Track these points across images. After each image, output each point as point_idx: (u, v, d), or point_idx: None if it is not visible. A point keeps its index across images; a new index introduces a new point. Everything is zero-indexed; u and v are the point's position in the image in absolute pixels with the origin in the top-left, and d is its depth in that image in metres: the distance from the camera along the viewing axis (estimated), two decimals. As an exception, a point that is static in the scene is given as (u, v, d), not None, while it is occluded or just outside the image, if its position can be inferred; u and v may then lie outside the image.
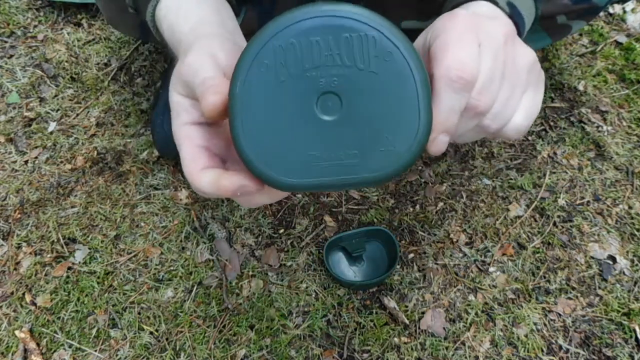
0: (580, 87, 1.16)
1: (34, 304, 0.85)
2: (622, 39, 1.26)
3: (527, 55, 0.41)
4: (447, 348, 0.80)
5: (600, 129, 1.09)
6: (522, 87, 0.41)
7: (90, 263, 0.89)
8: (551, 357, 0.80)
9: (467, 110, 0.39)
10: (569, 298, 0.86)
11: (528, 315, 0.84)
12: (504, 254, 0.91)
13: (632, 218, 0.95)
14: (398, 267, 0.89)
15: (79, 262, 0.89)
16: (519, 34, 0.50)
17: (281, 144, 0.36)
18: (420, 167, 1.02)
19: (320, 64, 0.35)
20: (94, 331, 0.82)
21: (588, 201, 0.98)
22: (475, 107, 0.39)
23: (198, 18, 0.47)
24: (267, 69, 0.35)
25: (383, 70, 0.35)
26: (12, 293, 0.86)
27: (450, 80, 0.37)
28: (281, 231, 0.94)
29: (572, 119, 1.11)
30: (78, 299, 0.85)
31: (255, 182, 0.37)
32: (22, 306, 0.85)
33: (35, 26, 1.27)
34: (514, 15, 0.49)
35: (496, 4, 0.49)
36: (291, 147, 0.36)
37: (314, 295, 0.86)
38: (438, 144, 0.38)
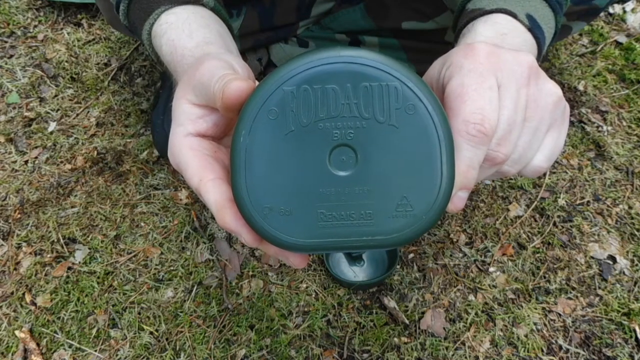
0: (580, 87, 1.16)
1: (34, 304, 0.85)
2: (622, 39, 1.26)
3: (551, 93, 0.39)
4: (447, 348, 0.80)
5: (600, 129, 1.09)
6: (544, 127, 0.39)
7: (90, 263, 0.89)
8: (551, 357, 0.80)
9: (486, 161, 0.37)
10: (569, 298, 0.86)
11: (528, 315, 0.84)
12: (504, 254, 0.91)
13: (632, 218, 0.95)
14: (398, 267, 0.89)
15: (79, 262, 0.89)
16: (539, 50, 0.48)
17: (287, 200, 0.33)
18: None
19: (335, 114, 0.32)
20: (94, 331, 0.82)
21: (588, 201, 0.98)
22: (494, 158, 0.37)
23: (203, 37, 0.47)
24: (276, 117, 0.32)
25: (405, 124, 0.32)
26: (12, 293, 0.86)
27: (469, 135, 0.35)
28: (281, 231, 0.94)
29: (572, 119, 1.11)
30: (78, 299, 0.85)
31: (253, 237, 0.35)
32: (22, 306, 0.85)
33: (35, 26, 1.27)
34: (534, 28, 0.47)
35: (515, 16, 0.46)
36: (298, 204, 0.33)
37: (314, 295, 0.86)
38: (456, 201, 0.36)
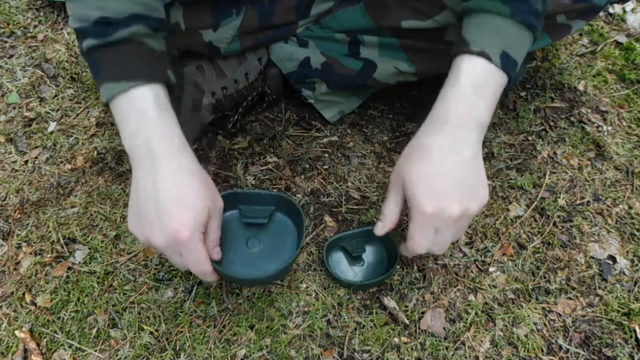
0: (580, 87, 1.16)
1: (34, 304, 0.85)
2: (622, 39, 1.26)
3: (469, 216, 0.67)
4: (447, 348, 0.80)
5: (600, 129, 1.09)
6: (462, 232, 0.70)
7: (90, 263, 0.89)
8: (551, 357, 0.80)
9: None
10: (569, 298, 0.86)
11: (528, 315, 0.84)
12: (504, 254, 0.91)
13: (632, 218, 0.95)
14: (398, 267, 0.89)
15: (79, 262, 0.89)
16: (509, 80, 0.64)
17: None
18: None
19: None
20: (94, 331, 0.82)
21: (588, 201, 0.98)
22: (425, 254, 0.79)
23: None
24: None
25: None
26: (12, 293, 0.86)
27: (407, 255, 0.75)
28: (281, 231, 0.94)
29: (572, 119, 1.11)
30: (78, 299, 0.85)
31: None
32: (22, 306, 0.85)
33: (35, 26, 1.27)
34: (507, 65, 0.63)
35: (489, 59, 0.62)
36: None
37: (314, 295, 0.86)
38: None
